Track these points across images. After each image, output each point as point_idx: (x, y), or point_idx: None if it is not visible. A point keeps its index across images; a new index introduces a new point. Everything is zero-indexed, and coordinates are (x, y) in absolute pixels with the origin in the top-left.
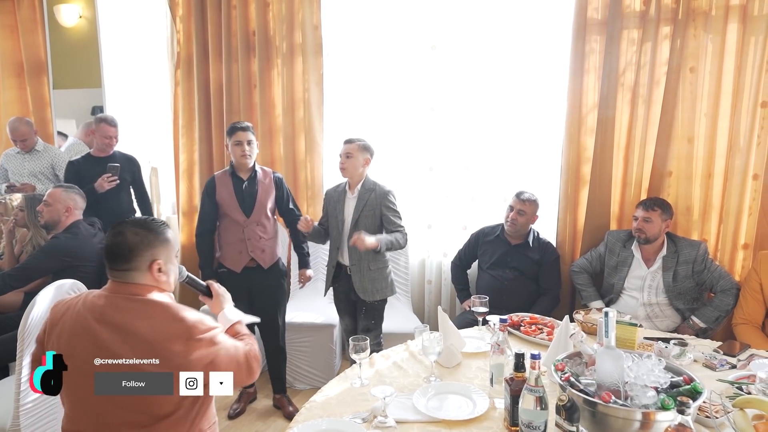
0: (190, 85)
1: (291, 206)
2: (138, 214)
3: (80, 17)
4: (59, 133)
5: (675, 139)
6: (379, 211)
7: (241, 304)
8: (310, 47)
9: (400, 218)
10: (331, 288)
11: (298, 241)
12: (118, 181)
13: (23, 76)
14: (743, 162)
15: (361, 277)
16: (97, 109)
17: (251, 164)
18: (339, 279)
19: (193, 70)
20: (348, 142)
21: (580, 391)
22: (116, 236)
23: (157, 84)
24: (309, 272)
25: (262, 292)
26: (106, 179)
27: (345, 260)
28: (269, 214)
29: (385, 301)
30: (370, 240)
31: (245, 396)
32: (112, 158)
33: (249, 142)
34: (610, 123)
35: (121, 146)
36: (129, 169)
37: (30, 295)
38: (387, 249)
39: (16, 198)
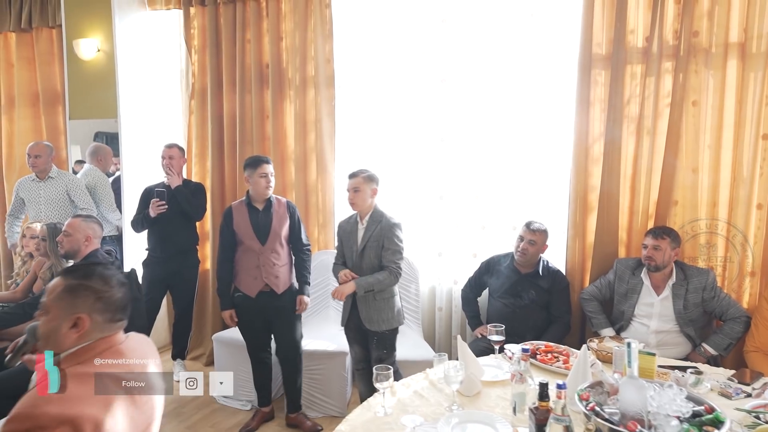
0: (203, 114)
1: (300, 236)
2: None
3: (98, 50)
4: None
5: (680, 170)
6: (383, 243)
7: (256, 326)
8: (322, 79)
9: (399, 254)
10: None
11: (301, 270)
12: (167, 206)
13: (38, 106)
14: (747, 192)
15: (367, 306)
16: (100, 134)
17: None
18: (353, 308)
19: (207, 100)
20: (352, 176)
21: (606, 420)
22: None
23: (172, 113)
24: (306, 299)
25: (277, 315)
26: (155, 204)
27: None
28: (283, 241)
29: (396, 331)
30: (348, 288)
31: (259, 415)
32: (186, 185)
33: (272, 174)
34: (616, 153)
35: (135, 172)
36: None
37: None
38: (367, 291)
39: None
